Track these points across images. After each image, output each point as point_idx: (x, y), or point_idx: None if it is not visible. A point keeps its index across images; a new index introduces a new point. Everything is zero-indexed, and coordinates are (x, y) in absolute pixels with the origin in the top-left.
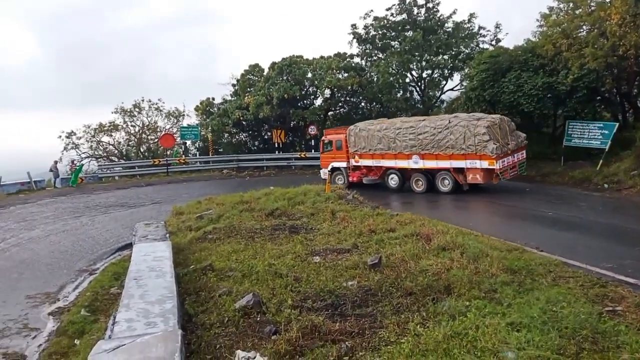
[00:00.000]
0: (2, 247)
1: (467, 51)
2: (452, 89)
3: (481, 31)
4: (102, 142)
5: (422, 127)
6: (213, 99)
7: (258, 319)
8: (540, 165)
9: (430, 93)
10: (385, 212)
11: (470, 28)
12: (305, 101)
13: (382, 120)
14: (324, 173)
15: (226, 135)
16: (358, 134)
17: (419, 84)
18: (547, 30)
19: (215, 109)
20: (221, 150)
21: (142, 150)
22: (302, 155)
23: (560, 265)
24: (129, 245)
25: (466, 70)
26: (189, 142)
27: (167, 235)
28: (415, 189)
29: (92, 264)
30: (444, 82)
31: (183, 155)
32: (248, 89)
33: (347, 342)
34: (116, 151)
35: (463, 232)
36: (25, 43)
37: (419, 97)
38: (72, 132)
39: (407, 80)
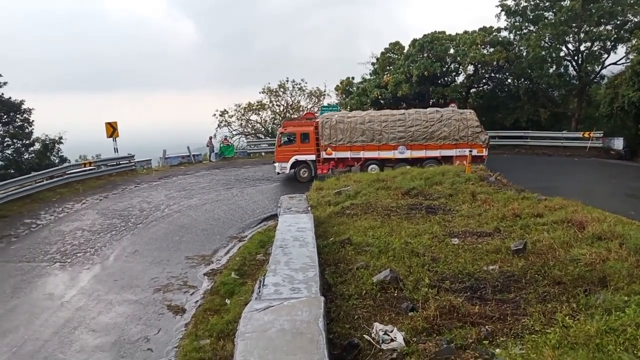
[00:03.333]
0: (167, 213)
1: (635, 20)
2: (614, 63)
3: None
4: (250, 120)
5: (412, 120)
6: (352, 78)
7: (395, 294)
8: None
9: (589, 68)
10: (531, 196)
11: None
12: (446, 78)
13: (356, 112)
14: (280, 167)
15: None
16: (334, 126)
17: (575, 57)
18: None
19: (355, 88)
20: None
21: None
22: None
23: None
24: (273, 217)
25: (634, 42)
26: None
27: (309, 208)
28: None
29: (240, 231)
30: (606, 56)
31: None
32: (387, 68)
33: (487, 326)
34: (263, 129)
35: (623, 221)
36: (187, 30)
37: (574, 73)
38: (225, 110)
39: (562, 54)
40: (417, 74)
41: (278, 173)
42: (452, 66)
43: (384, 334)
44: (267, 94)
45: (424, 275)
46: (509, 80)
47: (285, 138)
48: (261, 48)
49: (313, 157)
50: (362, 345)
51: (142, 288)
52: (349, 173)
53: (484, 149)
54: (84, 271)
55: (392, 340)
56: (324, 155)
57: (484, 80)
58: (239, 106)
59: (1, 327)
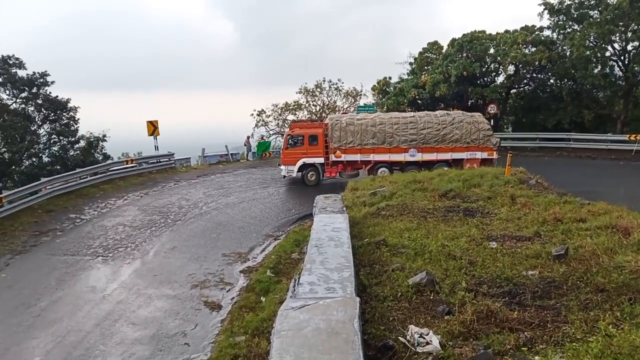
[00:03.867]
0: (205, 210)
1: None
2: None
3: None
4: (287, 120)
5: (424, 123)
6: (390, 78)
7: (431, 297)
8: None
9: (636, 68)
10: (574, 200)
11: None
12: (485, 79)
13: (365, 114)
14: (287, 170)
15: None
16: (345, 129)
17: (622, 57)
18: None
19: (392, 88)
20: None
21: None
22: None
23: None
24: (308, 216)
25: None
26: None
27: (344, 208)
28: None
29: (276, 230)
30: None
31: None
32: (425, 67)
33: (526, 333)
34: None
35: None
36: (225, 30)
37: (620, 73)
38: (262, 110)
39: (607, 54)
40: (455, 74)
41: (284, 176)
42: (492, 66)
43: (419, 337)
44: (303, 93)
45: (461, 279)
46: (552, 81)
47: (293, 140)
48: (298, 48)
49: (321, 159)
50: (397, 347)
51: (180, 283)
52: (371, 176)
53: (495, 152)
54: (124, 265)
55: (427, 343)
56: (332, 158)
57: (525, 81)
58: (276, 106)
59: (46, 318)
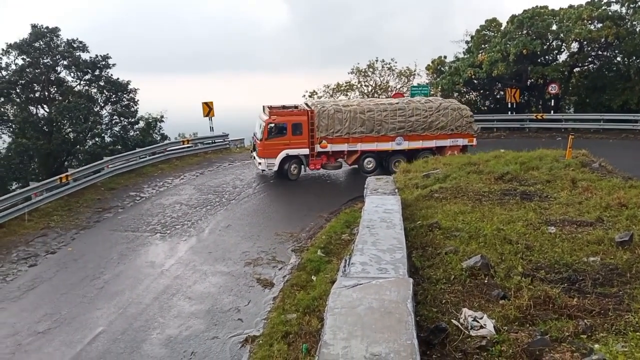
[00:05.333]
0: (258, 190)
1: None
2: None
3: None
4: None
5: (412, 110)
6: (445, 57)
7: (485, 281)
8: None
9: None
10: None
11: None
12: (546, 57)
13: (350, 101)
14: (267, 163)
15: (456, 94)
16: (332, 116)
17: None
18: None
19: (447, 67)
20: None
21: None
22: (539, 117)
23: None
24: (357, 198)
25: None
26: None
27: (396, 190)
28: (394, 170)
29: (327, 211)
30: None
31: None
32: (482, 46)
33: (585, 320)
34: None
35: None
36: (278, 11)
37: None
38: (314, 91)
39: None
40: (514, 52)
41: (263, 171)
42: (553, 44)
43: (473, 320)
44: (355, 74)
45: (517, 264)
46: (619, 59)
47: (275, 130)
48: (351, 27)
49: (306, 151)
50: (450, 330)
51: (234, 261)
52: (423, 158)
53: (474, 139)
54: (181, 242)
55: (481, 327)
56: (318, 148)
57: (589, 59)
58: (328, 87)
59: (109, 290)
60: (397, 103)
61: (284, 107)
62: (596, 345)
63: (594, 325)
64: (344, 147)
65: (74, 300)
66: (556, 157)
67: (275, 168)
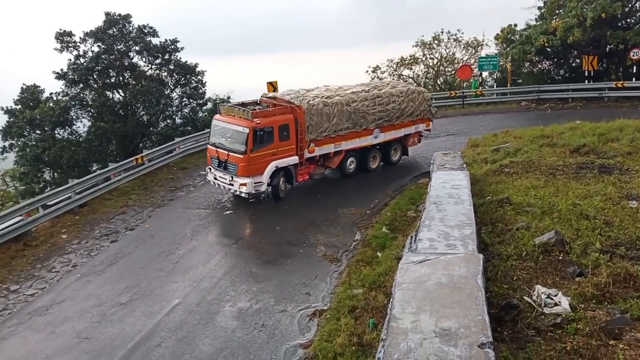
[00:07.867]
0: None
1: None
2: None
3: None
4: (402, 75)
5: (389, 97)
6: (515, 25)
7: (560, 257)
8: None
9: None
10: None
11: None
12: (628, 20)
13: (327, 88)
14: (254, 183)
15: (527, 64)
16: (321, 112)
17: None
18: None
19: (517, 36)
20: (520, 80)
21: (439, 82)
22: (619, 85)
23: None
24: (423, 174)
25: None
26: (485, 74)
27: (464, 165)
28: (371, 167)
29: (392, 187)
30: None
31: (480, 87)
32: (556, 11)
33: None
34: (415, 83)
35: None
36: None
37: None
38: (377, 66)
39: None
40: (592, 16)
41: (248, 194)
42: (637, 5)
43: (546, 298)
44: (420, 47)
45: (595, 240)
46: None
47: (262, 136)
48: (416, 2)
49: (295, 159)
50: (522, 307)
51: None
52: (493, 131)
53: (431, 123)
54: (249, 219)
55: (555, 304)
56: (306, 154)
57: None
58: (391, 61)
59: (184, 264)
60: (374, 90)
61: (242, 104)
62: None
63: None
64: (331, 148)
65: (152, 273)
66: (638, 128)
67: (264, 187)
